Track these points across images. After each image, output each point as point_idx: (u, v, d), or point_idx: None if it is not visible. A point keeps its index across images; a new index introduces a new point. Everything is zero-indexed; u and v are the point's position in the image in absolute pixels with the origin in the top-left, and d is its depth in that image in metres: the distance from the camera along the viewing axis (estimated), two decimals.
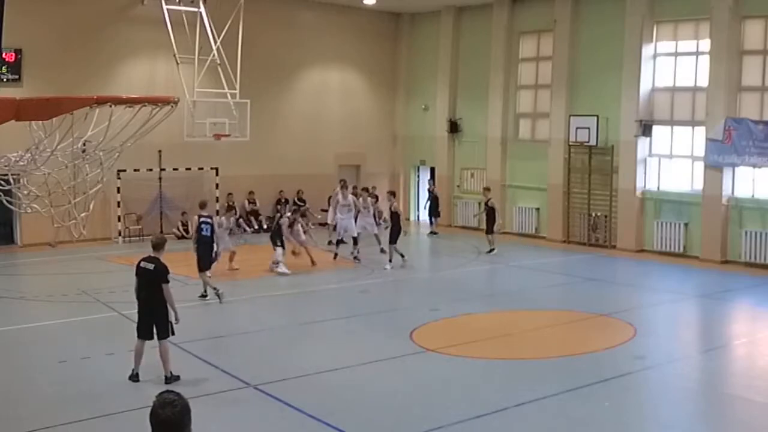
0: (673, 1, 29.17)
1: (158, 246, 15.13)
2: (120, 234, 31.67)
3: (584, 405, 13.65)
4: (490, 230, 30.09)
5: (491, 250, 29.75)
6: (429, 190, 36.56)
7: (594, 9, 31.84)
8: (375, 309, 21.49)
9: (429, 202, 36.37)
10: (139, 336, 14.81)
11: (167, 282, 14.69)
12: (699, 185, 28.61)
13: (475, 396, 14.15)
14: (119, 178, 30.98)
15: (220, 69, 31.37)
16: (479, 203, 32.57)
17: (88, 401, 13.52)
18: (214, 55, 31.12)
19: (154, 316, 14.74)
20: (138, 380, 14.62)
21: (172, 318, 14.81)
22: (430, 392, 14.39)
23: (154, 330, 14.73)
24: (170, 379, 14.64)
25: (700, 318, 21.78)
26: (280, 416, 13.16)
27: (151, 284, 14.67)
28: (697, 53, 28.88)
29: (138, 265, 14.97)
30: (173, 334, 14.87)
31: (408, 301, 22.53)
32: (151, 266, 14.78)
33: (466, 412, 13.14)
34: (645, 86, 29.92)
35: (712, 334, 19.57)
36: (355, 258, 27.89)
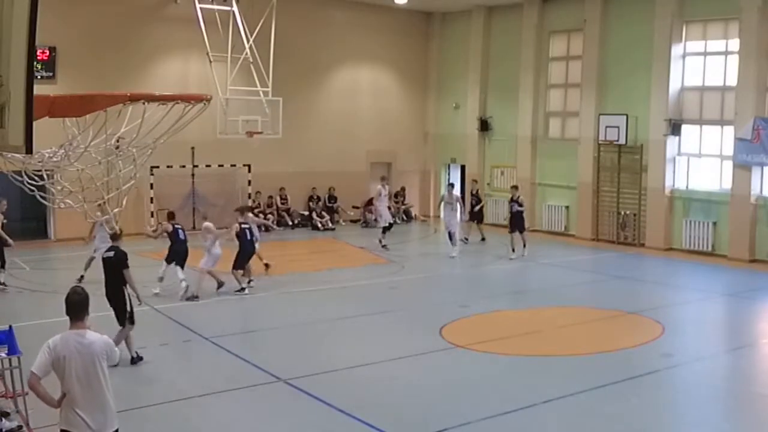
0: (702, 1, 29.15)
1: (117, 237, 16.10)
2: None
3: (612, 402, 13.75)
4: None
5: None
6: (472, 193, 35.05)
7: (623, 9, 31.85)
8: (405, 305, 21.67)
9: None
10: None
11: (127, 267, 15.66)
12: (727, 184, 28.58)
13: (503, 392, 14.28)
14: (152, 175, 31.38)
15: (252, 67, 31.56)
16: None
17: (115, 396, 13.40)
18: (246, 54, 31.32)
19: (113, 303, 15.63)
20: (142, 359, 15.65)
21: (135, 303, 15.75)
22: (458, 388, 14.51)
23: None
24: (136, 359, 15.59)
25: (728, 316, 21.75)
26: (310, 410, 13.30)
27: (112, 271, 15.62)
28: (726, 53, 28.83)
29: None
30: (132, 323, 15.63)
31: (438, 298, 22.58)
32: (111, 254, 15.69)
33: (495, 408, 13.28)
34: (674, 85, 29.90)
35: (739, 333, 19.51)
36: (383, 246, 29.65)
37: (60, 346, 8.44)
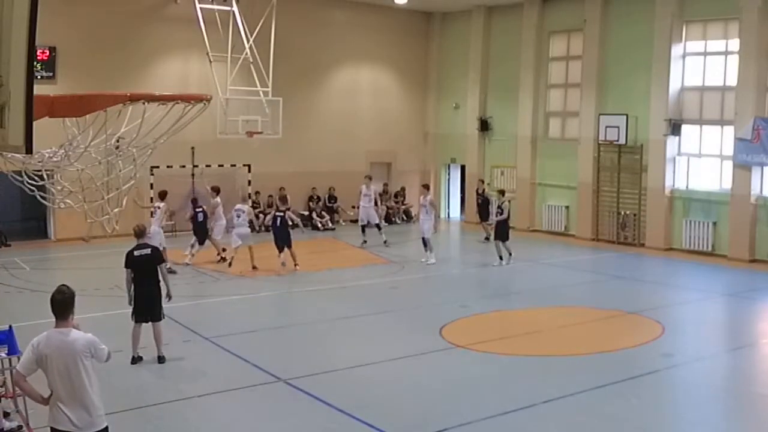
0: (702, 1, 29.13)
1: (143, 233, 16.29)
2: None
3: (612, 402, 13.76)
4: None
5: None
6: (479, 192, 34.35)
7: (624, 8, 31.84)
8: (405, 305, 21.68)
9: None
10: (137, 321, 15.74)
11: (164, 261, 16.16)
12: (727, 184, 28.60)
13: (503, 392, 14.28)
14: (152, 174, 31.32)
15: (252, 67, 31.56)
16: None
17: (115, 396, 13.03)
18: (246, 54, 31.31)
19: (152, 300, 15.72)
20: (142, 359, 15.73)
21: (164, 298, 15.94)
22: (459, 388, 14.52)
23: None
24: (163, 358, 15.71)
25: (728, 316, 21.76)
26: (310, 410, 13.31)
27: (150, 268, 15.67)
28: (726, 53, 28.84)
29: (131, 255, 15.78)
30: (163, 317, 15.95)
31: (438, 298, 22.54)
32: (147, 251, 15.77)
33: (495, 408, 13.29)
34: (674, 85, 29.90)
35: (739, 333, 19.54)
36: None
37: (43, 344, 8.71)
